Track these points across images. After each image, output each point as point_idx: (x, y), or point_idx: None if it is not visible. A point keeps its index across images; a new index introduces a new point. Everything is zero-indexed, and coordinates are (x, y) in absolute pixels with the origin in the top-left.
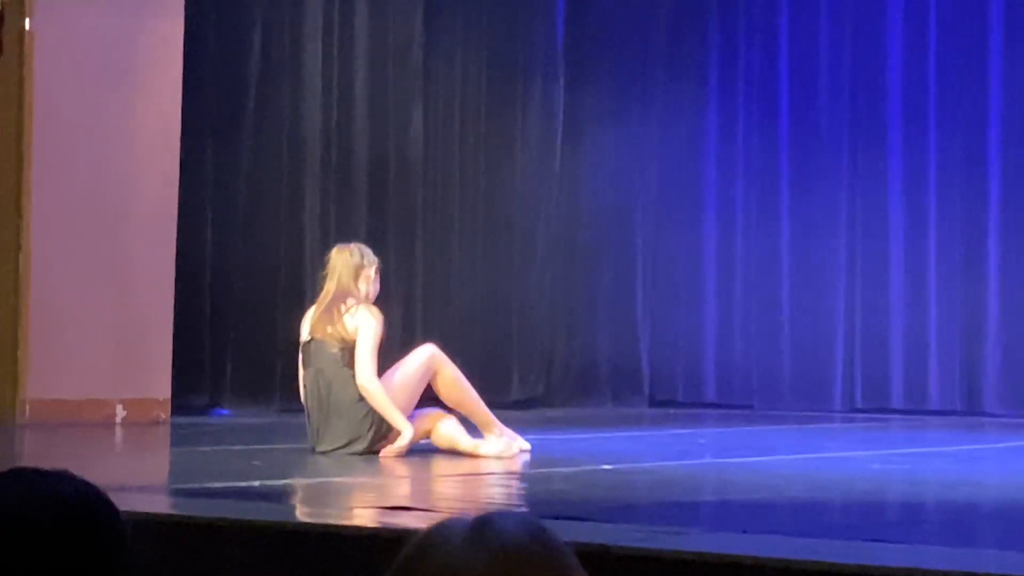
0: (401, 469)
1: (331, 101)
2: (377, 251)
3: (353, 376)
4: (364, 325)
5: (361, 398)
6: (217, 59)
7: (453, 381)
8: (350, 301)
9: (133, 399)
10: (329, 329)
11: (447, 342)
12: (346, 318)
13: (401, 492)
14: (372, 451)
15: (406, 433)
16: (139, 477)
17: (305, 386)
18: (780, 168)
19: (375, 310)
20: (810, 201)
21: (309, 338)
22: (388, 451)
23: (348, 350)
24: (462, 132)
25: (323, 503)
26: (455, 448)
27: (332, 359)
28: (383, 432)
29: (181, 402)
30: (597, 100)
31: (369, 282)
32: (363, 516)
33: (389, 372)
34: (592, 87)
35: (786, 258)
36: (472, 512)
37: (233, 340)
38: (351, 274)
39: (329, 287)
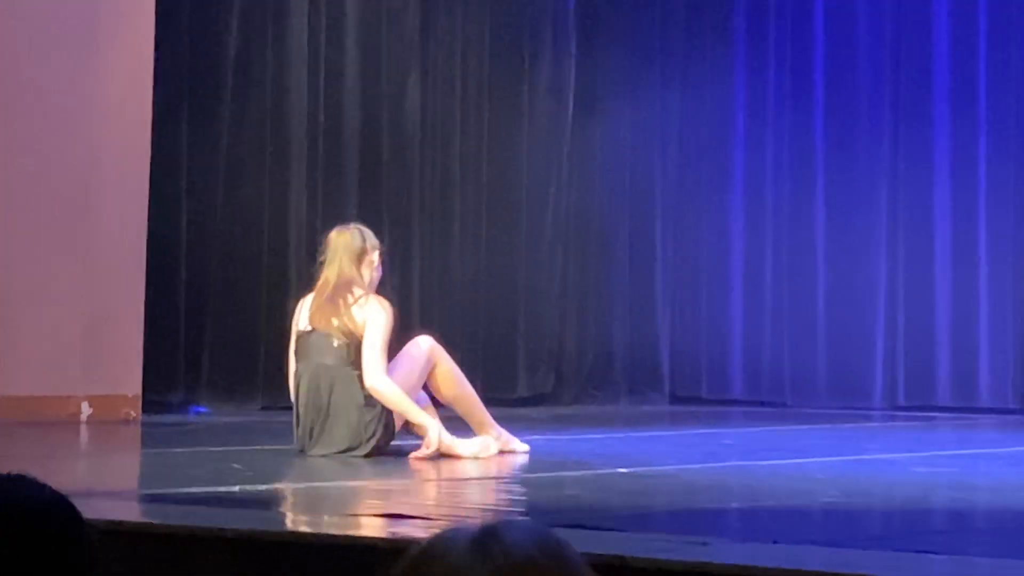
0: (398, 472)
1: (319, 68)
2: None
3: (359, 376)
4: (374, 319)
5: (367, 401)
6: (193, 18)
7: (450, 376)
8: (357, 291)
9: (100, 395)
10: (335, 321)
11: (447, 334)
12: (354, 309)
13: (397, 498)
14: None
15: (433, 432)
16: (107, 481)
17: (299, 381)
18: (815, 142)
19: (385, 302)
20: (848, 179)
21: (309, 328)
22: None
23: (354, 346)
24: (463, 104)
25: (310, 510)
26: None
27: (336, 355)
28: (388, 437)
29: (153, 399)
30: (612, 68)
31: (372, 268)
32: (354, 525)
33: (387, 369)
34: (606, 53)
35: (821, 241)
36: (476, 521)
37: (211, 330)
38: (353, 259)
39: (329, 274)
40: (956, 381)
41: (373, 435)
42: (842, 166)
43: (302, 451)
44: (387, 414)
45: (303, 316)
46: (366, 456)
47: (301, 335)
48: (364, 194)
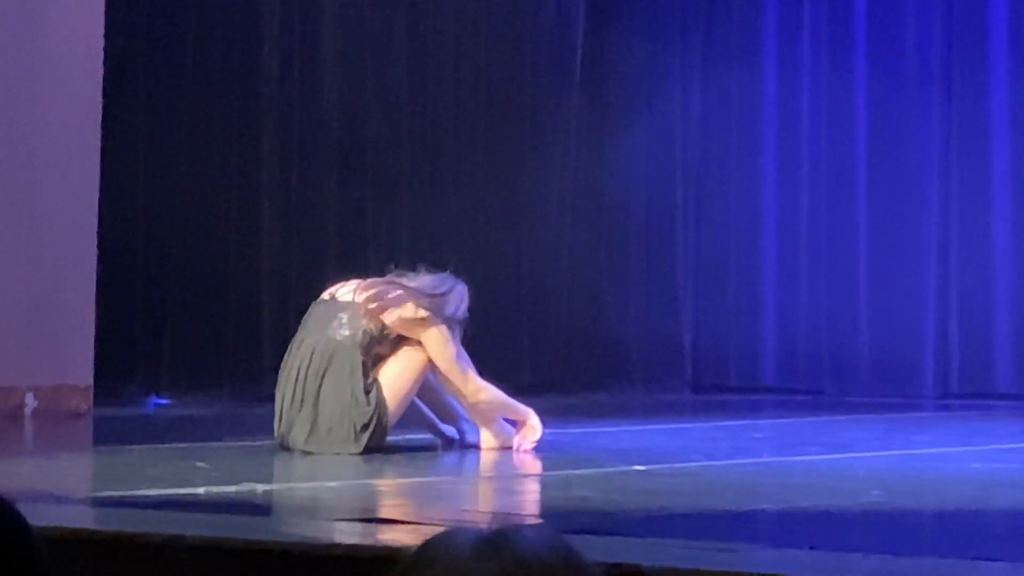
0: (385, 472)
1: (292, 18)
2: (353, 209)
3: (364, 363)
4: (426, 332)
5: (367, 397)
6: None
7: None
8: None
9: (47, 386)
10: (357, 300)
11: None
12: (392, 313)
13: (385, 500)
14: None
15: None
16: (55, 483)
17: (289, 352)
18: (856, 98)
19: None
20: (894, 139)
21: (326, 297)
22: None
23: (366, 334)
24: (457, 64)
25: (285, 514)
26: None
27: (343, 330)
28: (382, 434)
29: (107, 389)
30: (627, 12)
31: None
32: (336, 531)
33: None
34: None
35: (863, 209)
36: (479, 524)
37: (172, 312)
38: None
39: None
40: (1018, 364)
41: (364, 429)
42: (887, 124)
43: (283, 437)
44: (382, 411)
45: (331, 288)
46: (360, 453)
47: (314, 304)
48: (345, 156)
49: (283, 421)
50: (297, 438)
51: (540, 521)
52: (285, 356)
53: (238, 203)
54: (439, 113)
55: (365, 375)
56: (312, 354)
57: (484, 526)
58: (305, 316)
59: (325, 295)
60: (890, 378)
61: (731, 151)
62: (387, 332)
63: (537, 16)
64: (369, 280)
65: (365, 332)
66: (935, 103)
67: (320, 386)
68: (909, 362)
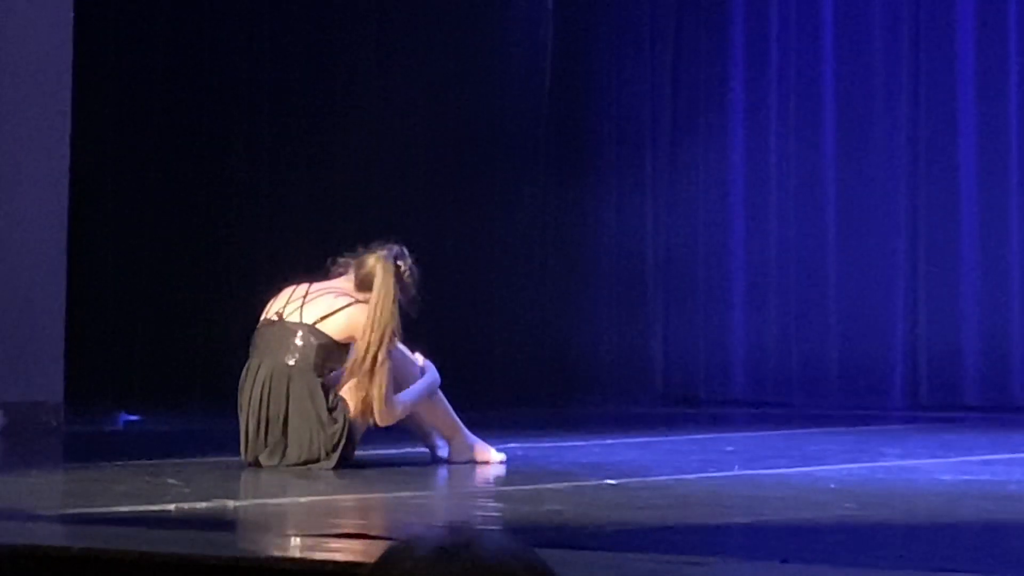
0: (355, 487)
1: (262, 20)
2: (323, 228)
3: (323, 385)
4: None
5: (331, 415)
6: None
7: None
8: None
9: (16, 403)
10: (308, 312)
11: (408, 329)
12: (344, 312)
13: (353, 516)
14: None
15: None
16: (22, 500)
17: (247, 378)
18: (824, 114)
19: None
20: (862, 155)
21: (274, 318)
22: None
23: (322, 348)
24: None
25: (255, 531)
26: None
27: (299, 353)
28: (352, 447)
29: (77, 406)
30: (594, 21)
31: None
32: (306, 547)
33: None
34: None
35: (832, 224)
36: (443, 529)
37: (141, 330)
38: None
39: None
40: (985, 377)
41: (335, 448)
42: (855, 140)
43: (251, 464)
44: (350, 425)
45: (275, 304)
46: (332, 468)
47: (262, 324)
48: (315, 180)
49: (249, 450)
50: (268, 465)
51: (502, 529)
52: (241, 380)
53: (206, 220)
54: (410, 131)
55: (326, 395)
56: (270, 381)
57: (446, 532)
58: (254, 337)
59: (272, 315)
60: (859, 390)
61: (699, 164)
62: (337, 343)
63: (507, 29)
64: (303, 295)
65: (317, 352)
66: (903, 119)
67: (286, 415)
68: (878, 374)
